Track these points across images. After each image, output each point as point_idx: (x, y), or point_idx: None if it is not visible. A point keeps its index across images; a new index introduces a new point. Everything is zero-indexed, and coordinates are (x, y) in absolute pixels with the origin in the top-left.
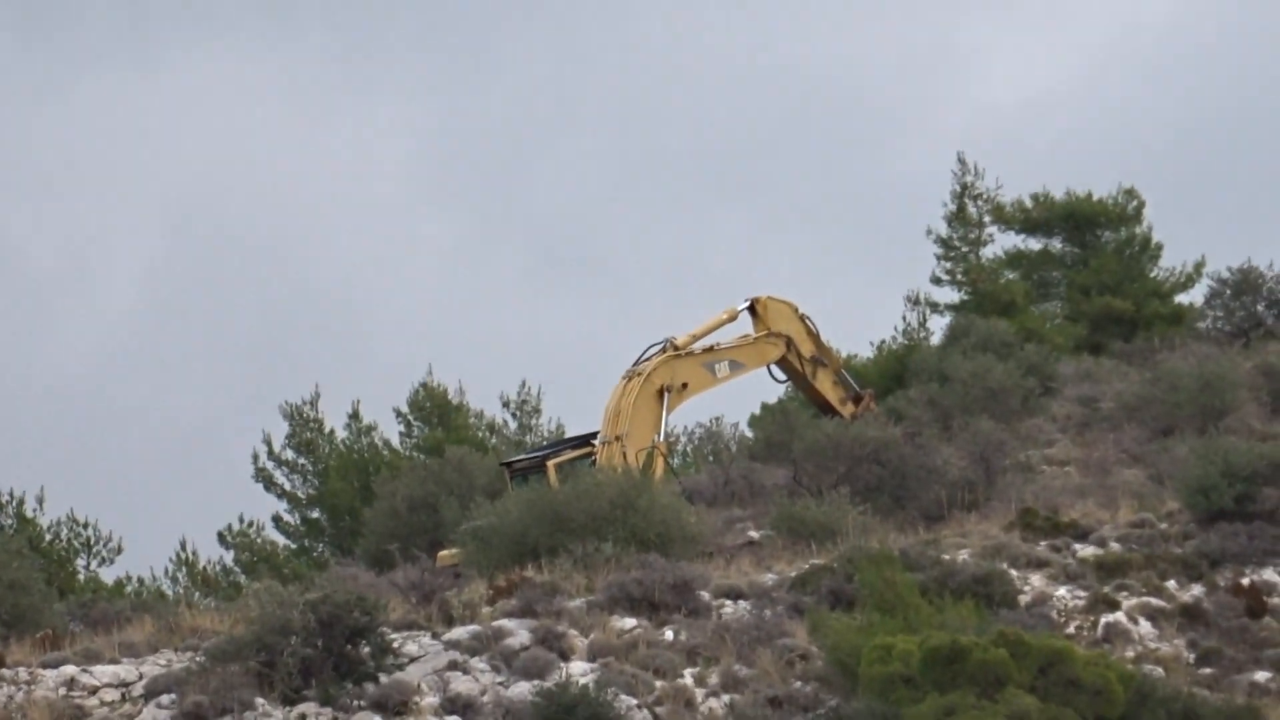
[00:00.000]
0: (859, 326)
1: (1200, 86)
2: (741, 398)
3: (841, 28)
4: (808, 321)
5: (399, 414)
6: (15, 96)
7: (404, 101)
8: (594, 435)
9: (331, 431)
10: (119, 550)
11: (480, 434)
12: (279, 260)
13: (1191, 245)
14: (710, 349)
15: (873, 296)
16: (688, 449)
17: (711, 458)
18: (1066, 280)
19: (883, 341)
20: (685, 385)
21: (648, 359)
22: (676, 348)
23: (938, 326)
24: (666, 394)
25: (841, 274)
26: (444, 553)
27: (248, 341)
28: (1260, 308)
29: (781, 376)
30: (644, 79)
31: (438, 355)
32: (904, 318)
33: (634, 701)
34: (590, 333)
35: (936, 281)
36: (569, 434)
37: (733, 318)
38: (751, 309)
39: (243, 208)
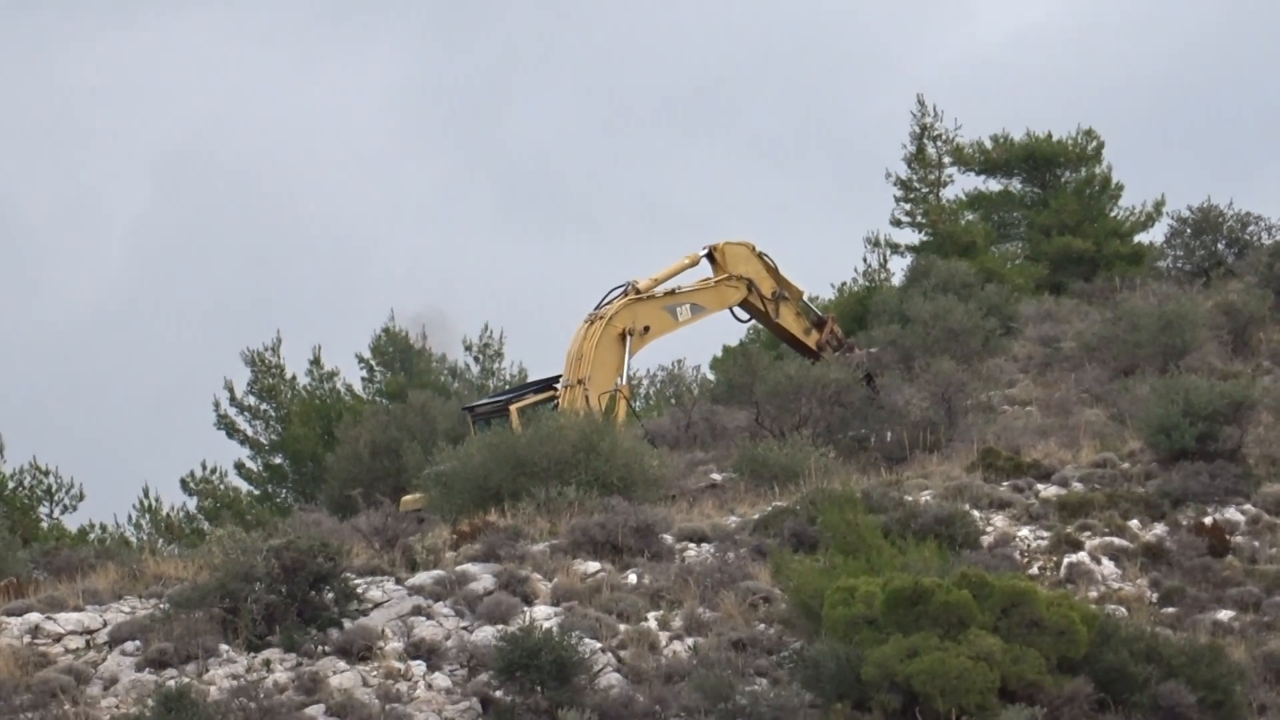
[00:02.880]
0: (823, 268)
1: (1159, 26)
2: (703, 340)
3: None
4: (765, 259)
5: (361, 359)
6: (4, 54)
7: (385, 50)
8: (556, 379)
9: (293, 377)
10: (81, 497)
11: (443, 378)
12: (265, 208)
13: (1151, 184)
14: (671, 292)
15: (837, 238)
16: (650, 392)
17: (673, 400)
18: (1026, 221)
19: (844, 283)
20: (647, 329)
21: (609, 302)
22: (638, 291)
23: (898, 268)
24: (629, 337)
25: (807, 216)
26: (408, 497)
27: (236, 292)
28: (1220, 246)
29: (745, 317)
30: (617, 18)
31: (406, 297)
32: (865, 259)
33: (598, 645)
34: (556, 275)
35: (896, 224)
36: (532, 378)
37: (694, 262)
38: (710, 256)
39: (229, 158)
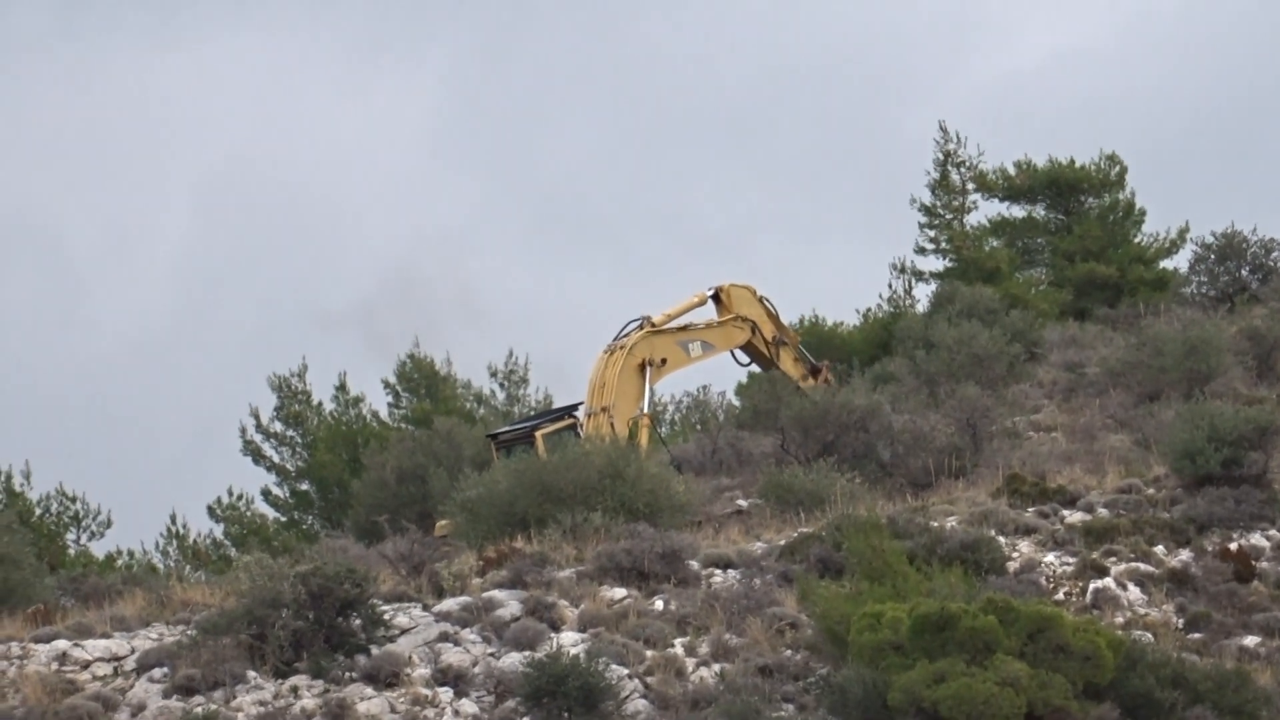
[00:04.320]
0: (849, 293)
1: (1185, 53)
2: (728, 367)
3: None
4: (766, 303)
5: (387, 385)
6: (49, 77)
7: (425, 74)
8: (578, 407)
9: (320, 404)
10: (108, 524)
11: (468, 405)
12: (303, 233)
13: (1175, 211)
14: (685, 328)
15: (865, 263)
16: (675, 418)
17: (699, 427)
18: (1050, 246)
19: (869, 309)
20: (664, 361)
21: (627, 334)
22: (654, 324)
23: (923, 294)
24: (648, 368)
25: (836, 240)
26: (443, 522)
27: (272, 317)
28: (1244, 272)
29: (745, 360)
30: (650, 38)
31: (432, 327)
32: (890, 285)
33: (625, 671)
34: (583, 298)
35: (921, 251)
36: (556, 405)
37: (703, 301)
38: (716, 296)
39: (269, 183)
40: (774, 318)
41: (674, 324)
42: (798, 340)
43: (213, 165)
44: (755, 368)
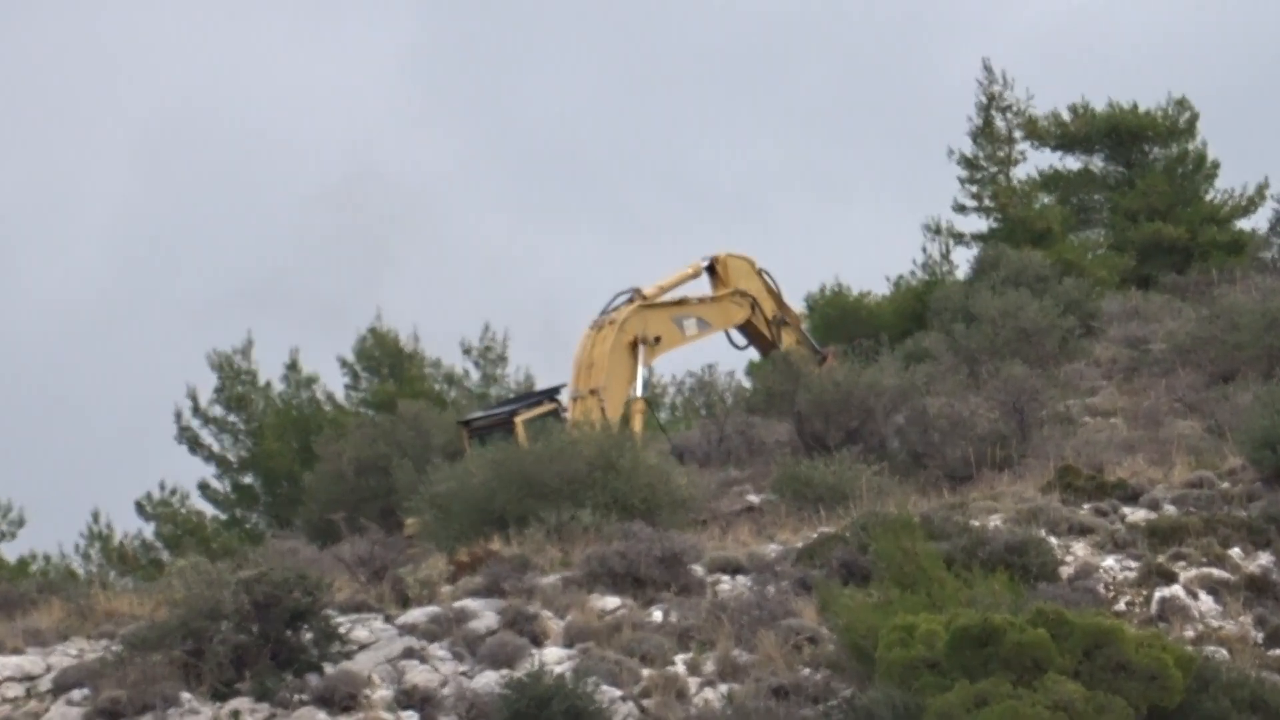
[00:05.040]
0: (877, 258)
1: None
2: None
3: None
4: (766, 277)
5: (344, 364)
6: None
7: (396, 10)
8: (561, 389)
9: (267, 384)
10: (21, 523)
11: (437, 386)
12: (262, 191)
13: (1252, 164)
14: (680, 302)
15: (895, 224)
16: (676, 402)
17: (704, 411)
18: (1110, 204)
19: (900, 277)
20: (658, 339)
21: (615, 308)
22: (645, 298)
23: (963, 259)
24: (641, 346)
25: (861, 197)
26: (409, 520)
27: (223, 288)
28: None
29: (742, 342)
30: None
31: (402, 296)
32: (924, 249)
33: (618, 693)
34: (574, 263)
35: (961, 209)
36: (539, 387)
37: (697, 273)
38: (711, 268)
39: (221, 135)
40: (775, 294)
41: (667, 297)
42: (800, 321)
43: (155, 115)
44: (754, 352)
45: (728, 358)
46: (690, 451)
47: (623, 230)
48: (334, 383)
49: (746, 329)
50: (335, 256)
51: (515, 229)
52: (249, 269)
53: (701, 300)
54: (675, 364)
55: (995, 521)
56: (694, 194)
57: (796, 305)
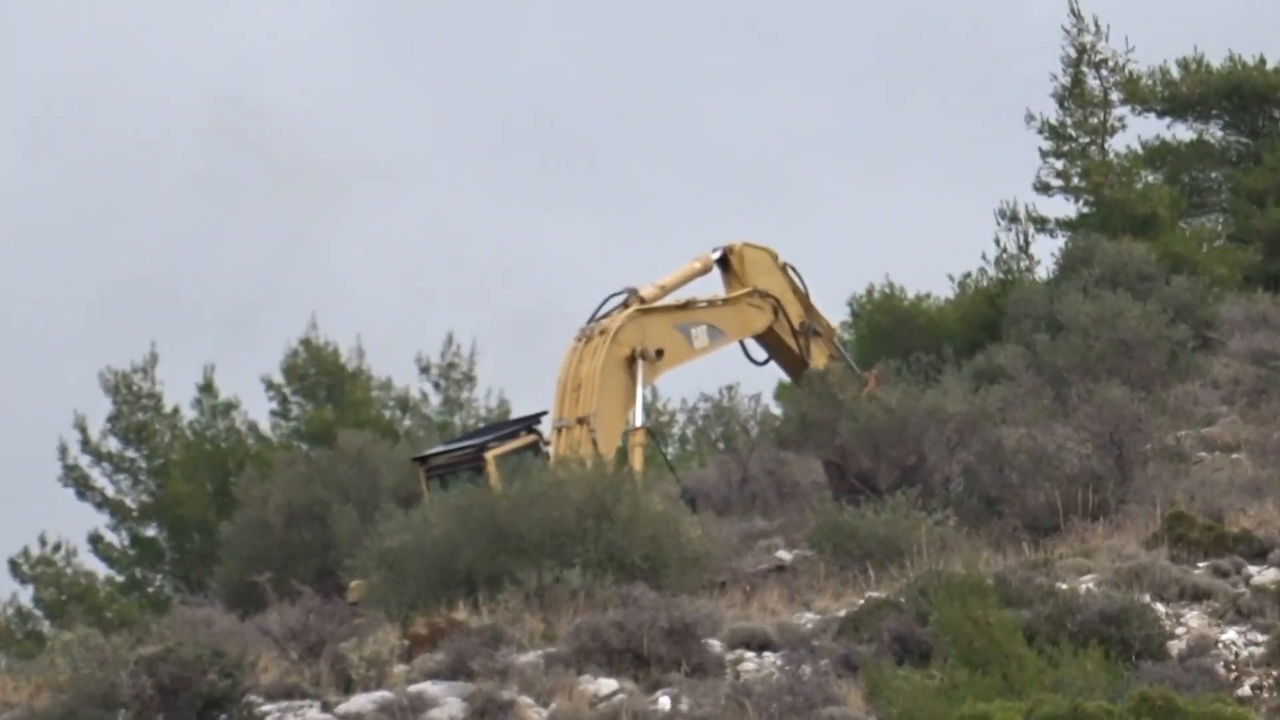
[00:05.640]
0: (938, 251)
1: None
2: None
3: None
4: (791, 274)
5: (271, 385)
6: None
7: None
8: (541, 417)
9: (175, 410)
10: None
11: (388, 413)
12: (172, 168)
13: None
14: (685, 305)
15: (959, 208)
16: (687, 433)
17: (722, 445)
18: (1230, 184)
19: (967, 275)
20: (660, 353)
21: (607, 315)
22: (643, 301)
23: (1046, 252)
24: (639, 361)
25: (914, 174)
26: (353, 583)
27: (123, 288)
28: None
29: (762, 355)
30: None
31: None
32: (998, 241)
33: None
34: (559, 253)
35: (1044, 189)
36: (515, 414)
37: (706, 268)
38: (724, 261)
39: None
40: (802, 296)
41: (670, 299)
42: (833, 331)
43: (50, 90)
44: (776, 370)
45: (751, 377)
46: (705, 495)
47: (620, 215)
48: (258, 408)
49: (768, 339)
50: (260, 248)
51: (486, 214)
52: (147, 264)
53: (713, 302)
54: (685, 384)
55: (1088, 584)
56: (708, 169)
57: (837, 311)
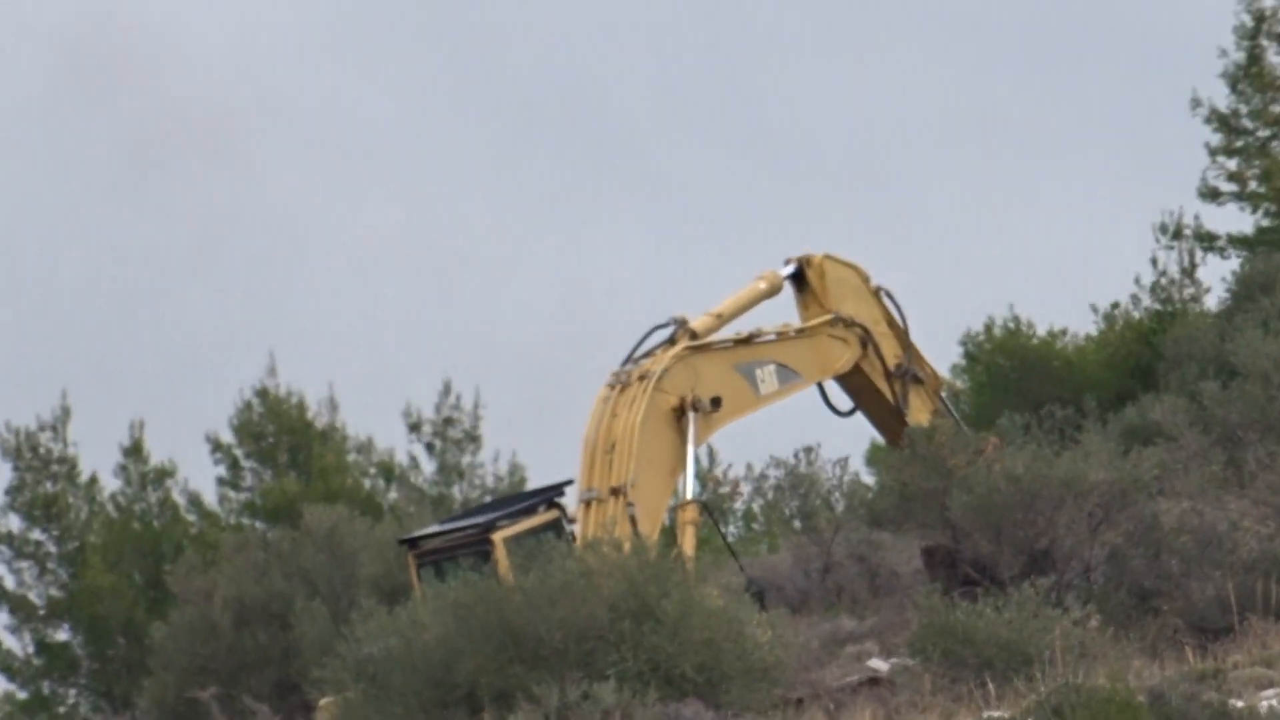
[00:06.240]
0: (1074, 277)
1: None
2: (852, 418)
3: None
4: (886, 300)
5: (218, 446)
6: None
7: None
8: (564, 488)
9: (93, 479)
10: None
11: (367, 483)
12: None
13: None
14: (748, 339)
15: (1102, 219)
16: (754, 507)
17: (799, 522)
18: None
19: (1115, 306)
20: (717, 401)
21: (649, 354)
22: (695, 335)
23: (1216, 277)
24: (691, 414)
25: (1042, 176)
26: (324, 700)
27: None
28: None
29: (846, 405)
30: None
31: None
32: (1154, 260)
33: None
34: (589, 273)
35: (1211, 195)
36: (531, 484)
37: (775, 289)
38: (799, 277)
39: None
40: (900, 330)
41: (726, 332)
42: (940, 384)
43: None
44: (867, 426)
45: (835, 437)
46: (777, 587)
47: (668, 221)
48: (200, 476)
49: (854, 382)
50: (214, 269)
51: (498, 218)
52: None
53: (783, 334)
54: (750, 445)
55: (1270, 700)
56: (781, 164)
57: (946, 353)
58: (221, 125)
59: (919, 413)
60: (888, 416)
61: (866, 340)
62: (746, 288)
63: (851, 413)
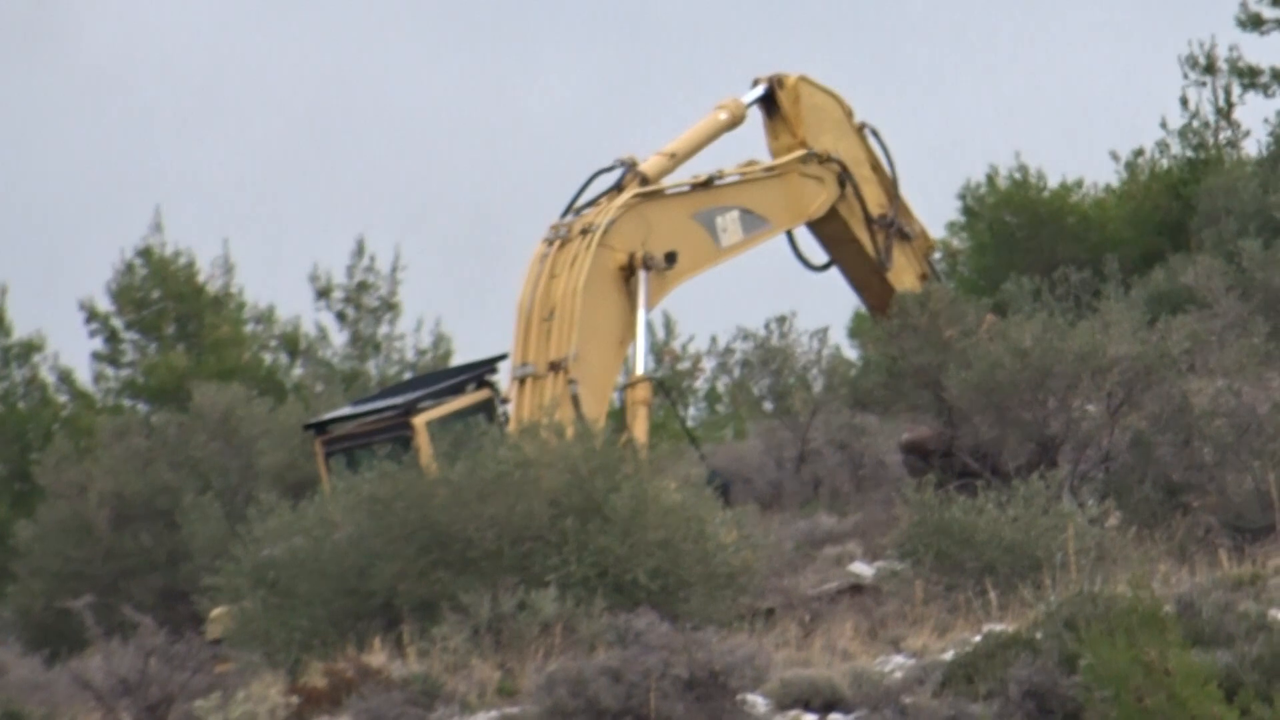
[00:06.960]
0: (1093, 119)
1: None
2: (831, 278)
3: None
4: (870, 136)
5: (93, 315)
6: None
7: None
8: (497, 363)
9: None
10: None
11: (268, 356)
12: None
13: None
14: (706, 182)
15: (1123, 52)
16: (717, 385)
17: (771, 403)
18: None
19: (1138, 153)
20: (672, 256)
21: (592, 204)
22: (646, 180)
23: (1257, 119)
24: (643, 272)
25: (1056, 5)
26: (216, 610)
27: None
28: None
29: (821, 259)
30: None
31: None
32: (1184, 99)
33: None
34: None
35: (1253, 23)
36: (459, 359)
37: (737, 119)
38: (769, 98)
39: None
40: (886, 176)
41: (680, 176)
42: (933, 245)
43: None
44: (846, 289)
45: (813, 306)
46: (745, 480)
47: (618, 52)
48: (73, 350)
49: (830, 231)
50: (92, 116)
51: (418, 48)
52: None
53: (748, 175)
54: (714, 314)
55: None
56: None
57: (943, 211)
58: None
59: (904, 273)
60: (868, 274)
61: (845, 179)
62: (704, 120)
63: (826, 267)
